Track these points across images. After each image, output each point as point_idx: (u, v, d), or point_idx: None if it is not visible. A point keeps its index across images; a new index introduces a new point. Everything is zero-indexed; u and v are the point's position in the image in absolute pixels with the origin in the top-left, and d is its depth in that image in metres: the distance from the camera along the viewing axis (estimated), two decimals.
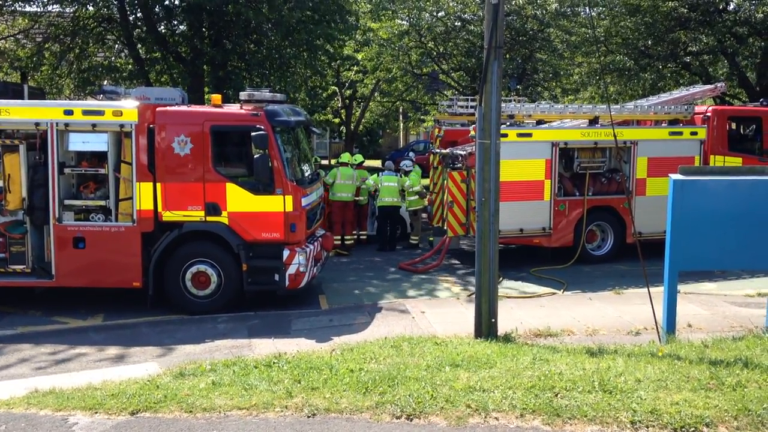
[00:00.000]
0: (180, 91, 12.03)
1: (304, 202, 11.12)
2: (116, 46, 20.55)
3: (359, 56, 26.74)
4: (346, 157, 16.50)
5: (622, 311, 10.63)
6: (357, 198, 16.02)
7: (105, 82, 18.23)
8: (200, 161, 10.77)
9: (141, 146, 10.77)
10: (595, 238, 14.57)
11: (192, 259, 10.97)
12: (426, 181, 17.03)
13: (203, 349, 9.30)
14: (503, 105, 12.68)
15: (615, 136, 10.87)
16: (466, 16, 23.56)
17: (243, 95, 11.21)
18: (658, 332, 8.80)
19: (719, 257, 8.82)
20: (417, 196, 16.06)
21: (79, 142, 10.80)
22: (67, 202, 10.92)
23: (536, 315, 10.44)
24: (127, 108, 10.81)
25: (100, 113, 10.76)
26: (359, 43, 25.87)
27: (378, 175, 16.22)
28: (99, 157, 10.96)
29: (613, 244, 14.47)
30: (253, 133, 10.41)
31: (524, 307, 11.04)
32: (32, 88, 13.64)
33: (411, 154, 18.95)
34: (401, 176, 16.12)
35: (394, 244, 16.21)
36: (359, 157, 16.99)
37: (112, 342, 9.68)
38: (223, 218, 10.81)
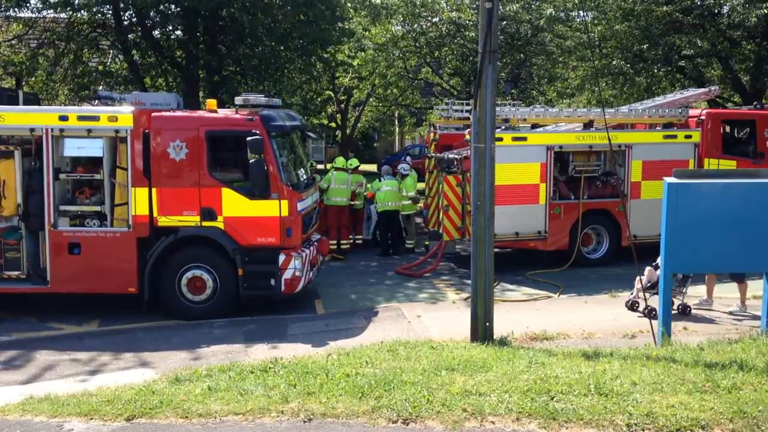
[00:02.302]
0: (175, 96, 12.04)
1: (300, 206, 11.13)
2: (111, 51, 20.53)
3: (355, 62, 26.76)
4: (340, 161, 16.51)
5: (618, 314, 10.66)
6: (353, 202, 16.01)
7: (100, 88, 18.22)
8: (196, 166, 10.76)
9: (136, 151, 10.75)
10: (591, 242, 14.58)
11: (188, 265, 10.95)
12: (421, 185, 17.03)
13: (199, 355, 9.29)
14: (498, 109, 12.70)
15: (609, 139, 10.87)
16: (460, 21, 23.59)
17: (238, 100, 11.23)
18: (653, 335, 8.82)
19: (714, 260, 8.86)
20: (410, 201, 16.06)
21: (74, 148, 10.81)
22: (62, 207, 10.90)
23: (532, 318, 10.45)
24: (123, 113, 10.80)
25: (96, 119, 10.75)
26: (354, 49, 25.88)
27: (380, 180, 16.16)
28: (94, 163, 10.95)
29: (609, 247, 14.49)
30: (248, 138, 10.40)
31: (520, 310, 11.04)
32: (27, 94, 13.60)
33: (408, 158, 18.93)
34: (400, 179, 16.11)
35: (396, 248, 16.13)
36: (355, 162, 17.00)
37: (107, 348, 9.66)
38: (219, 223, 10.80)
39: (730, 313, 10.57)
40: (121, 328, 10.74)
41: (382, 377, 6.98)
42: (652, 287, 10.33)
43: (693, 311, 10.49)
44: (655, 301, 10.12)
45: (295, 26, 17.52)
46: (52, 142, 10.68)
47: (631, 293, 10.85)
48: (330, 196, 15.62)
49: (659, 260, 10.47)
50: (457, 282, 13.51)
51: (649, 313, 10.09)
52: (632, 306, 10.68)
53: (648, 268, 10.63)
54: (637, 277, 10.44)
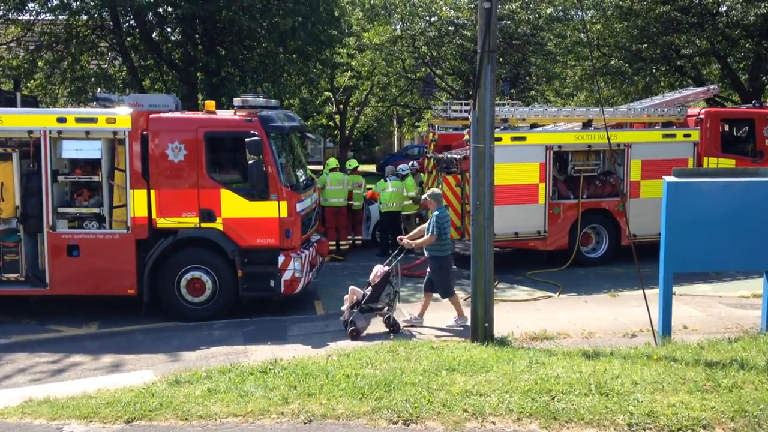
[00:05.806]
0: (173, 98, 12.00)
1: (299, 207, 11.11)
2: (109, 53, 20.53)
3: (353, 62, 26.75)
4: (333, 162, 16.48)
5: (618, 313, 10.64)
6: (350, 202, 15.98)
7: (98, 90, 18.21)
8: (194, 168, 10.74)
9: (134, 153, 10.73)
10: (590, 241, 14.56)
11: (187, 266, 10.93)
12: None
13: (199, 356, 9.28)
14: (497, 109, 12.69)
15: (608, 138, 10.87)
16: (459, 20, 23.62)
17: (237, 101, 11.21)
18: (653, 334, 8.81)
19: (714, 259, 8.84)
20: (410, 201, 16.03)
21: (72, 150, 10.78)
22: (60, 209, 10.88)
23: (532, 318, 10.44)
24: (121, 115, 10.78)
25: (94, 120, 10.73)
26: (354, 49, 25.88)
27: (385, 180, 16.08)
28: (92, 165, 10.93)
29: (608, 246, 14.47)
30: (247, 139, 10.38)
31: (520, 310, 11.03)
32: (25, 96, 13.58)
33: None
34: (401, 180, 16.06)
35: (395, 249, 16.04)
36: (353, 162, 16.97)
37: (107, 350, 9.64)
38: (218, 224, 10.78)
39: (447, 326, 10.15)
40: (120, 330, 10.72)
41: (382, 378, 6.97)
42: (356, 305, 10.04)
43: (402, 329, 10.02)
44: (359, 321, 10.00)
45: (293, 28, 17.51)
46: (50, 144, 10.66)
47: (344, 314, 10.26)
48: (327, 197, 15.59)
49: (370, 277, 10.20)
50: (457, 282, 13.46)
51: (351, 334, 9.80)
52: (346, 326, 10.05)
53: (352, 288, 10.26)
54: (345, 296, 10.18)
